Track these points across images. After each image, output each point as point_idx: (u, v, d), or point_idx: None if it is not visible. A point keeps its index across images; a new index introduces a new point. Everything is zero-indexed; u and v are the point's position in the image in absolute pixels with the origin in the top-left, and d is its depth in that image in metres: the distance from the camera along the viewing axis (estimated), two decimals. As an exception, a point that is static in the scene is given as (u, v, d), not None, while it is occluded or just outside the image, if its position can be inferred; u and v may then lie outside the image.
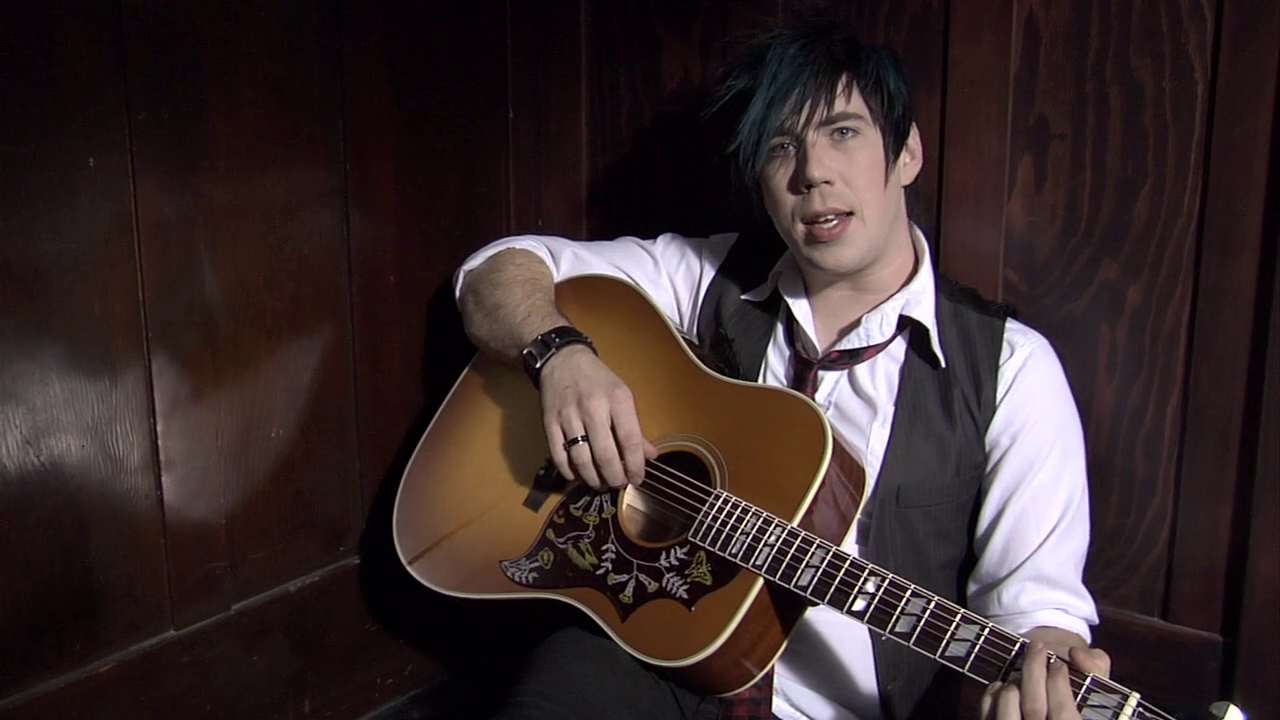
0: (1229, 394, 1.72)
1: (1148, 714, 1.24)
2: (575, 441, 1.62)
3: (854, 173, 1.62)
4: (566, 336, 1.70)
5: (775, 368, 1.77)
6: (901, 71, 1.67)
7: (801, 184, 1.62)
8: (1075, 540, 1.66)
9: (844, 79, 1.62)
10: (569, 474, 1.65)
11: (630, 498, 1.71)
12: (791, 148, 1.64)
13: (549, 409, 1.64)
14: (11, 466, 1.58)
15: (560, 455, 1.64)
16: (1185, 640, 1.80)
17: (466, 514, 1.80)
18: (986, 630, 1.36)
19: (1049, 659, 1.30)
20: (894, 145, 1.66)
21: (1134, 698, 1.25)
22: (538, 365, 1.68)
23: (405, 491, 1.88)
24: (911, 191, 1.76)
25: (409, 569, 1.79)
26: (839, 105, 1.61)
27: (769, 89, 1.61)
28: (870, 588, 1.43)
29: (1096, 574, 1.83)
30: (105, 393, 1.67)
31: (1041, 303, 1.83)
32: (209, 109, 1.74)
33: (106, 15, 1.60)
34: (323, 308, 1.95)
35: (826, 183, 1.60)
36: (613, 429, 1.62)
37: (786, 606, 1.55)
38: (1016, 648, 1.34)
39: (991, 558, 1.67)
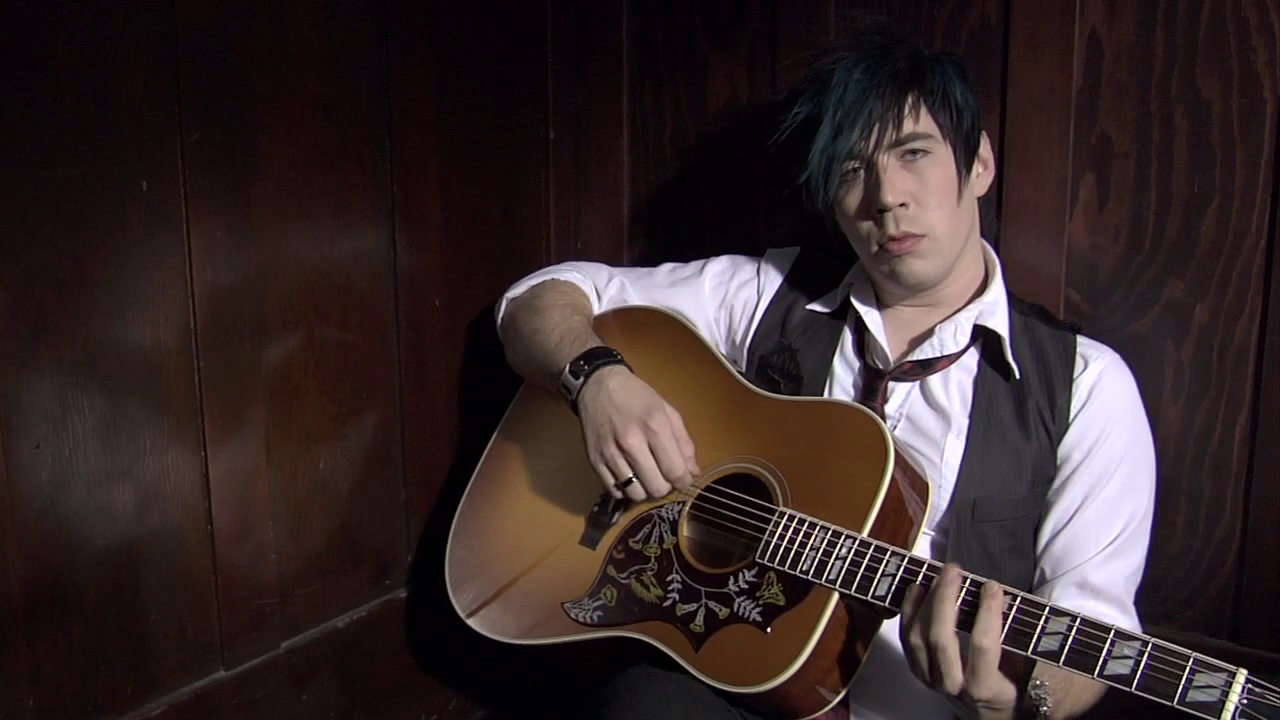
0: (1301, 412, 1.71)
1: (1257, 689, 1.20)
2: (628, 483, 1.61)
3: (926, 193, 1.60)
4: (596, 360, 1.67)
5: (842, 378, 1.74)
6: (968, 80, 1.65)
7: (875, 209, 1.61)
8: (1130, 557, 1.63)
9: (911, 98, 1.60)
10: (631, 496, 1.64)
11: (691, 528, 1.68)
12: (862, 171, 1.62)
13: (591, 449, 1.63)
14: (63, 503, 1.52)
15: (616, 494, 1.64)
16: (1256, 663, 1.73)
17: (522, 559, 1.76)
18: (1077, 621, 1.32)
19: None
20: (965, 159, 1.64)
21: (1241, 674, 1.22)
22: (573, 399, 1.66)
23: (456, 538, 1.83)
24: (984, 203, 1.73)
25: (468, 622, 1.74)
26: (908, 125, 1.59)
27: (836, 114, 1.59)
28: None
29: (1164, 596, 1.81)
30: (157, 424, 1.61)
31: (1105, 322, 1.81)
32: (260, 130, 1.69)
33: (160, 37, 1.55)
34: (369, 333, 1.90)
35: (901, 205, 1.59)
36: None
37: (864, 621, 1.52)
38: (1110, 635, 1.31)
39: (1045, 564, 1.65)
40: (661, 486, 1.61)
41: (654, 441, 1.59)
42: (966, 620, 1.36)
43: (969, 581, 1.39)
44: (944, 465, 1.64)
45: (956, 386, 1.68)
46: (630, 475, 1.61)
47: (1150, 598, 1.79)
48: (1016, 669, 1.37)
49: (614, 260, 2.20)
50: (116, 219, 1.54)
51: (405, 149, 1.91)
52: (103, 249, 1.53)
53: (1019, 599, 1.35)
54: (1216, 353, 1.75)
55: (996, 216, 1.85)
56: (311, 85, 1.76)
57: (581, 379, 1.66)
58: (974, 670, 1.33)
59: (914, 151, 1.60)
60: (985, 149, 1.70)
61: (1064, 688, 1.44)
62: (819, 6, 1.97)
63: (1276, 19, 1.65)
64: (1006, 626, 1.34)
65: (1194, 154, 1.73)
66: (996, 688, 1.34)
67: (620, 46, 2.16)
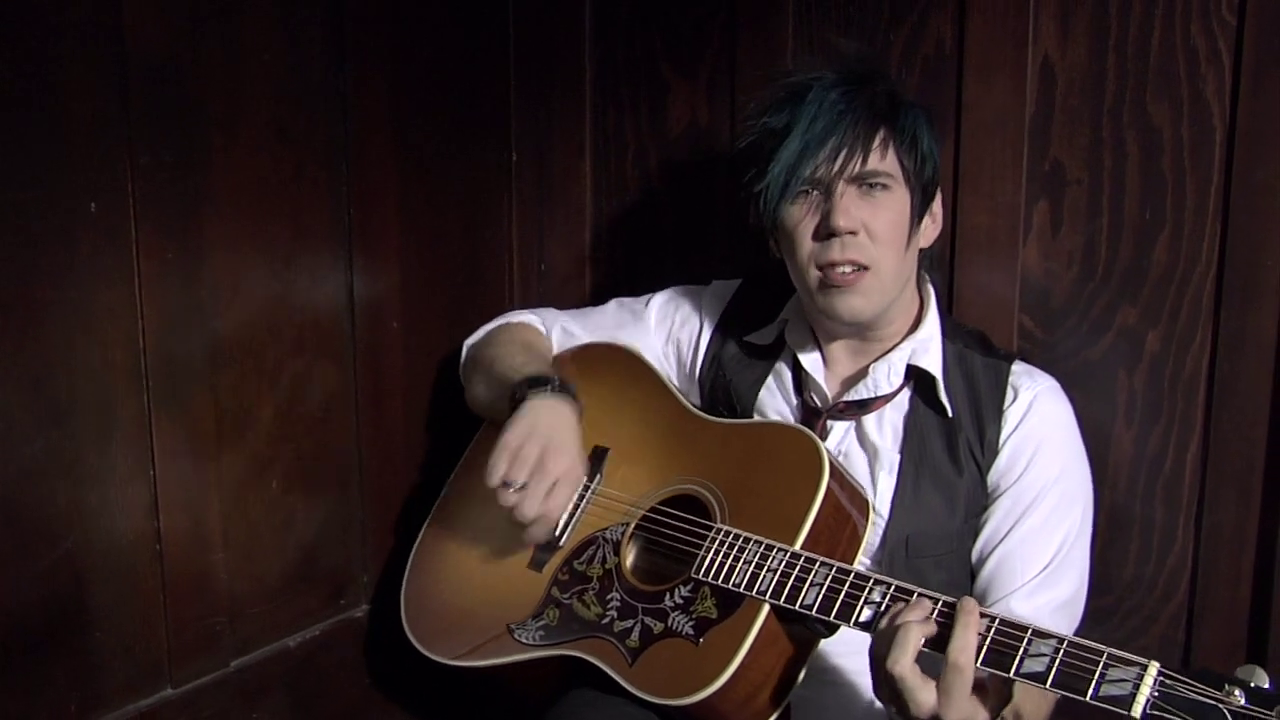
0: (1250, 440, 1.70)
1: (1169, 680, 1.18)
2: (520, 486, 1.62)
3: (877, 226, 1.59)
4: (566, 387, 1.71)
5: (782, 414, 1.75)
6: (934, 132, 1.65)
7: (825, 232, 1.60)
8: (1059, 589, 1.60)
9: (881, 134, 1.59)
10: (502, 499, 1.64)
11: (634, 549, 1.68)
12: (818, 194, 1.61)
13: (511, 438, 1.63)
14: (8, 521, 1.52)
15: (492, 482, 1.63)
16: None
17: (476, 590, 1.78)
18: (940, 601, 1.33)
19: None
20: (920, 206, 1.63)
21: (1153, 666, 1.20)
22: (524, 396, 1.68)
23: (413, 576, 1.86)
24: (927, 252, 1.73)
25: (451, 664, 1.74)
26: (873, 161, 1.58)
27: (805, 133, 1.58)
28: (876, 596, 1.39)
29: (1116, 624, 1.81)
30: (105, 445, 1.61)
31: (1058, 349, 1.81)
32: (212, 152, 1.70)
33: (111, 58, 1.56)
34: (325, 355, 1.91)
35: (850, 233, 1.58)
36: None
37: (798, 635, 1.52)
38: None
39: (975, 591, 1.63)
40: (532, 511, 1.62)
41: (561, 483, 1.63)
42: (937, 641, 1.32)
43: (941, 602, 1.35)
44: (877, 502, 1.64)
45: (889, 425, 1.68)
46: (523, 482, 1.61)
47: (1103, 625, 1.79)
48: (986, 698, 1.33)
49: (578, 282, 2.22)
50: (63, 240, 1.54)
51: (363, 173, 1.92)
52: (49, 270, 1.53)
53: (940, 602, 1.34)
54: (1168, 380, 1.75)
55: (950, 243, 1.86)
56: (266, 107, 1.76)
57: (545, 390, 1.68)
58: (947, 690, 1.27)
59: (873, 185, 1.60)
60: (938, 204, 1.70)
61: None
62: (778, 31, 1.97)
63: (1225, 48, 1.66)
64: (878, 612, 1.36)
65: (1145, 181, 1.74)
66: (968, 710, 1.28)
67: (583, 70, 2.16)
